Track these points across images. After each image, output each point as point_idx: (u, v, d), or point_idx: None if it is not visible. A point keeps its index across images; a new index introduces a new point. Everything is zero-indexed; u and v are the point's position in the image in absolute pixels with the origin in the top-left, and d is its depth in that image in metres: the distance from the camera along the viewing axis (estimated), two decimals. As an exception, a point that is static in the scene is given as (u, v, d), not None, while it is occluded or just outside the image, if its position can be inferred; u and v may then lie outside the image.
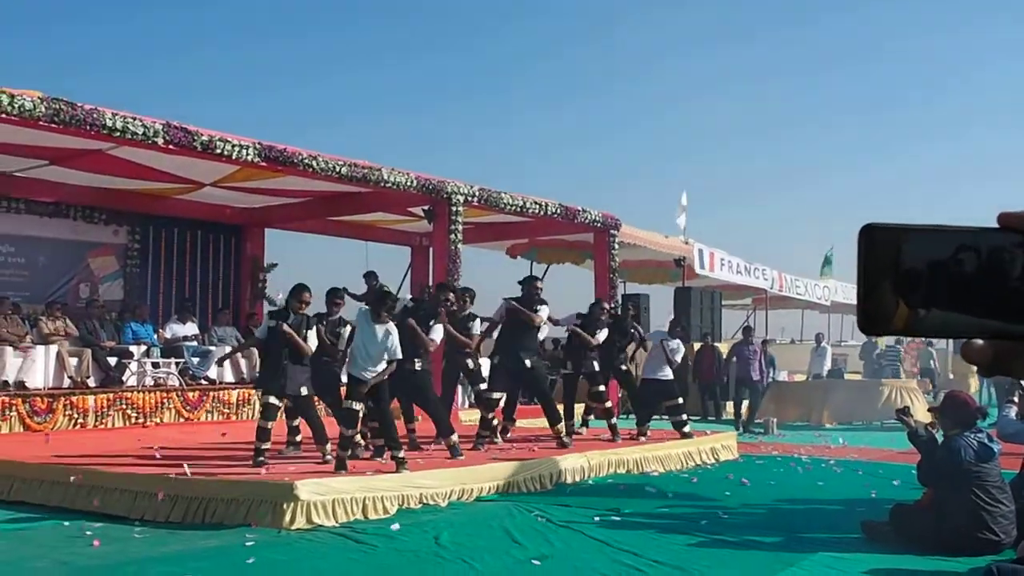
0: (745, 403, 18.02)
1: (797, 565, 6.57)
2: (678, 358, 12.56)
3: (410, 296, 11.23)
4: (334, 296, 10.09)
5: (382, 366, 9.01)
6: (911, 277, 1.06)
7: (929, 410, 10.86)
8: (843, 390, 19.27)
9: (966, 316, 1.06)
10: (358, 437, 9.48)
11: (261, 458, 8.90)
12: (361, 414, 9.15)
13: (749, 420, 17.63)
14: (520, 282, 11.45)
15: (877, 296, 1.07)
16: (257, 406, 14.30)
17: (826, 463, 11.92)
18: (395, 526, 7.48)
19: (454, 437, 10.02)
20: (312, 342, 9.25)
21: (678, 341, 12.63)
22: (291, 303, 9.32)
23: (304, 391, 9.29)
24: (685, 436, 12.29)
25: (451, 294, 10.98)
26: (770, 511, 8.81)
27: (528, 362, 10.98)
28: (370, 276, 13.08)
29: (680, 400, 12.77)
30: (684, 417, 12.62)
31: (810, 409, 18.78)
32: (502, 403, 11.63)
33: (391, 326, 9.13)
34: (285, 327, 9.07)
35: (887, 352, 25.59)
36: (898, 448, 13.02)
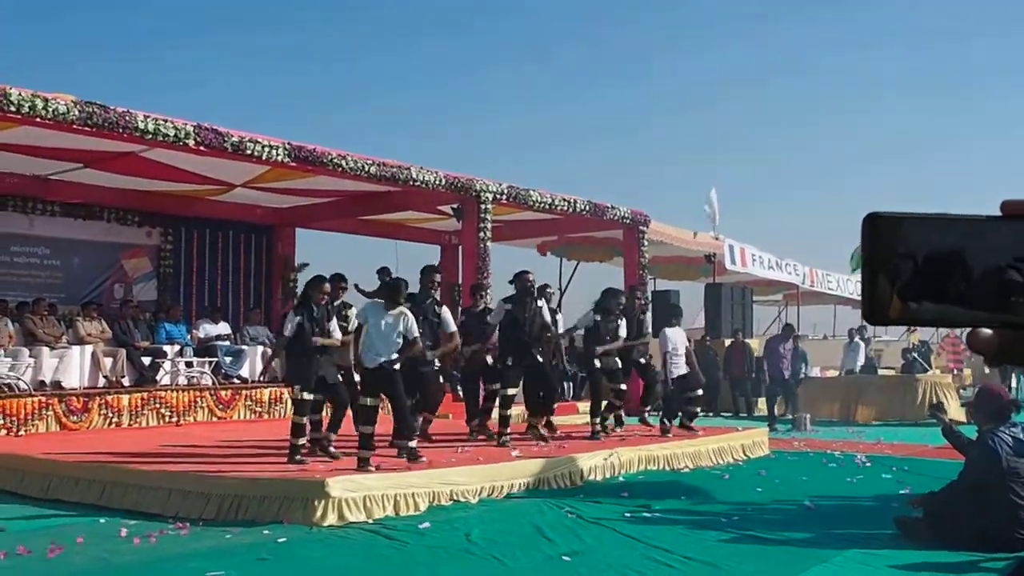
0: (778, 399, 17.90)
1: (830, 561, 6.54)
2: (668, 347, 12.35)
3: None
4: (338, 282, 10.16)
5: (393, 354, 8.99)
6: (904, 269, 1.06)
7: (963, 405, 10.78)
8: (877, 386, 19.10)
9: (959, 308, 1.06)
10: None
11: (298, 456, 8.96)
12: (377, 410, 9.07)
13: (780, 416, 17.52)
14: (511, 280, 11.43)
15: (877, 287, 1.07)
16: (290, 404, 14.47)
17: (859, 459, 11.84)
18: (424, 524, 7.50)
19: (412, 443, 9.54)
20: (336, 333, 9.30)
21: (671, 331, 12.47)
22: (312, 295, 9.35)
23: (340, 377, 9.38)
24: (687, 428, 12.18)
25: (436, 275, 10.96)
26: (802, 507, 8.76)
27: (539, 356, 10.99)
28: (383, 272, 13.06)
29: (699, 392, 12.73)
30: (696, 410, 12.56)
31: (843, 405, 18.65)
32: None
33: (404, 309, 9.14)
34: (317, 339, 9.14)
35: (919, 347, 25.36)
36: (933, 444, 12.92)
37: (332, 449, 9.47)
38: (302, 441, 9.14)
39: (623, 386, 12.17)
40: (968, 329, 1.08)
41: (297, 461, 8.89)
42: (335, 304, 9.94)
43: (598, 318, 11.92)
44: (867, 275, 1.08)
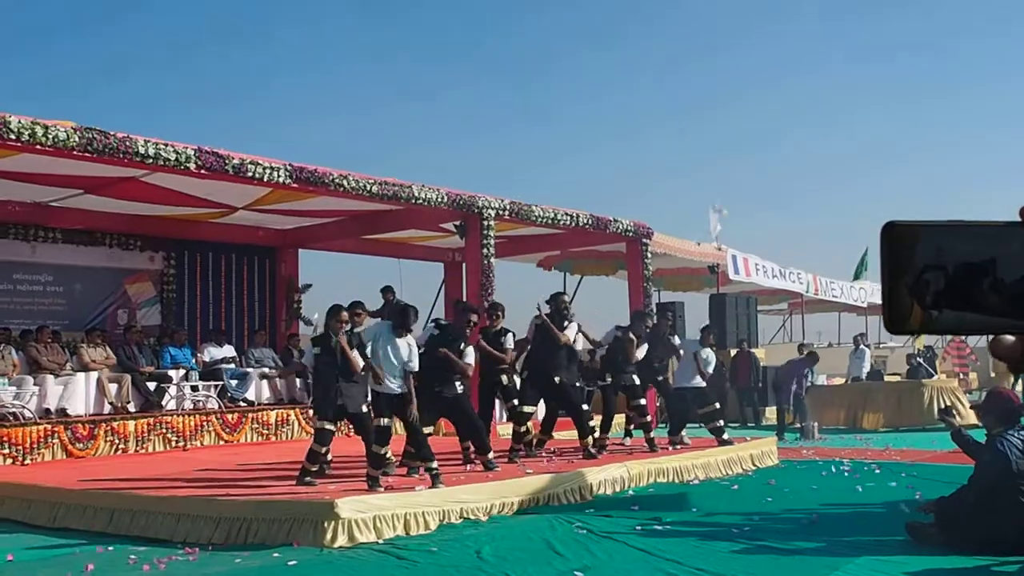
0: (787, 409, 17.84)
1: (842, 569, 6.51)
2: (710, 369, 12.50)
3: (433, 322, 11.16)
4: (355, 309, 10.12)
5: (400, 380, 9.01)
6: (924, 278, 1.05)
7: (972, 407, 10.75)
8: (883, 392, 19.06)
9: (980, 315, 1.05)
10: (389, 454, 9.52)
11: (308, 478, 8.95)
12: (391, 431, 9.14)
13: (788, 425, 17.47)
14: (548, 300, 11.45)
15: (896, 296, 1.06)
16: (296, 426, 14.45)
17: (868, 466, 11.80)
18: (433, 549, 7.45)
19: (491, 455, 10.08)
20: (359, 360, 9.26)
21: (708, 351, 12.59)
22: (330, 324, 9.31)
23: (364, 408, 9.29)
24: (724, 443, 12.22)
25: (473, 315, 10.85)
26: (813, 516, 8.73)
27: (557, 378, 11.00)
28: (387, 291, 13.00)
29: (716, 406, 12.73)
30: (720, 423, 12.56)
31: (851, 412, 18.60)
32: (539, 416, 11.65)
33: (411, 339, 9.18)
34: (337, 340, 9.10)
35: (924, 352, 25.32)
36: (941, 449, 12.89)
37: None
38: (315, 468, 9.15)
39: (642, 401, 12.18)
40: (989, 336, 1.07)
41: (306, 483, 8.90)
42: (356, 331, 9.89)
43: (619, 334, 12.00)
44: (886, 284, 1.07)
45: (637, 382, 12.03)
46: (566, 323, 11.20)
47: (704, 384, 12.61)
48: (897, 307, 1.07)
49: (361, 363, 9.11)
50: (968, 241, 1.05)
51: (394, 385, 8.96)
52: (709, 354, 12.57)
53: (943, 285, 1.05)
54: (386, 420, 9.00)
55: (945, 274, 1.05)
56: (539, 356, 11.12)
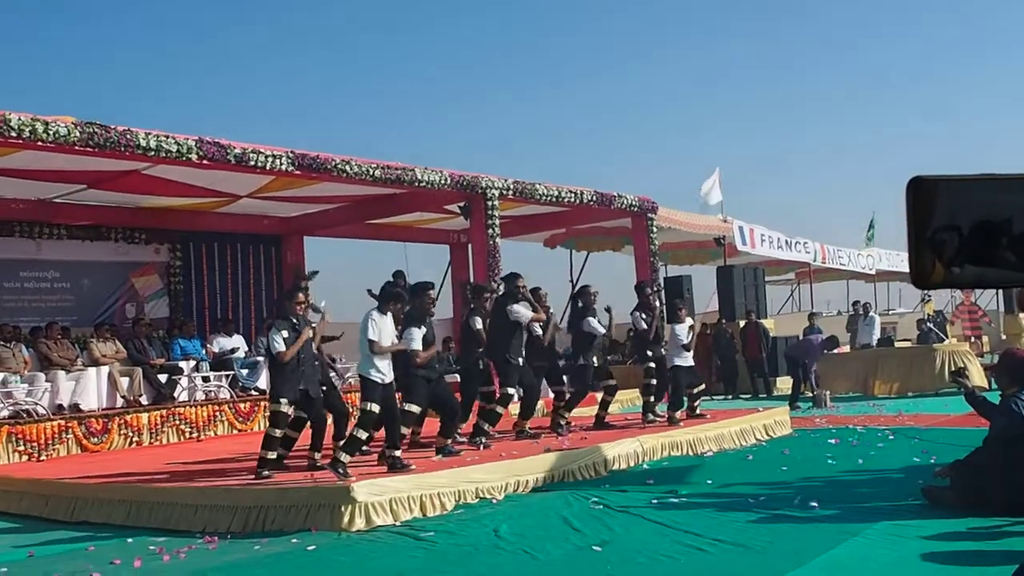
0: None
1: (861, 535, 6.50)
2: (683, 340, 12.25)
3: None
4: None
5: (386, 362, 8.91)
6: (944, 234, 1.03)
7: (984, 369, 10.72)
8: (895, 358, 19.02)
9: (1004, 269, 1.03)
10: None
11: (266, 472, 8.85)
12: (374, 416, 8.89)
13: (800, 394, 17.46)
14: (503, 278, 11.39)
15: (920, 251, 1.05)
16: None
17: (882, 432, 11.80)
18: (451, 529, 7.46)
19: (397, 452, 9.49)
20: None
21: (681, 324, 12.40)
22: (288, 308, 9.38)
23: (322, 392, 9.47)
24: (672, 422, 11.88)
25: (487, 294, 10.83)
26: (829, 483, 8.72)
27: (512, 360, 10.83)
28: (398, 276, 12.94)
29: (703, 386, 12.98)
30: (696, 403, 12.56)
31: (862, 380, 18.57)
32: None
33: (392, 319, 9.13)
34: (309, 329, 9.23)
35: (934, 317, 25.26)
36: (955, 413, 12.87)
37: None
38: (272, 455, 9.04)
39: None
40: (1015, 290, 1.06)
41: (264, 477, 8.77)
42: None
43: (644, 316, 12.15)
44: (911, 240, 1.05)
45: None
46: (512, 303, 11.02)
47: (691, 362, 12.46)
48: (921, 263, 1.05)
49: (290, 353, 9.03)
50: (993, 194, 1.03)
51: (381, 367, 8.83)
52: (680, 328, 12.35)
53: (964, 240, 1.04)
54: (372, 405, 8.78)
55: (964, 230, 1.03)
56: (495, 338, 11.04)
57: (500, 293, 11.37)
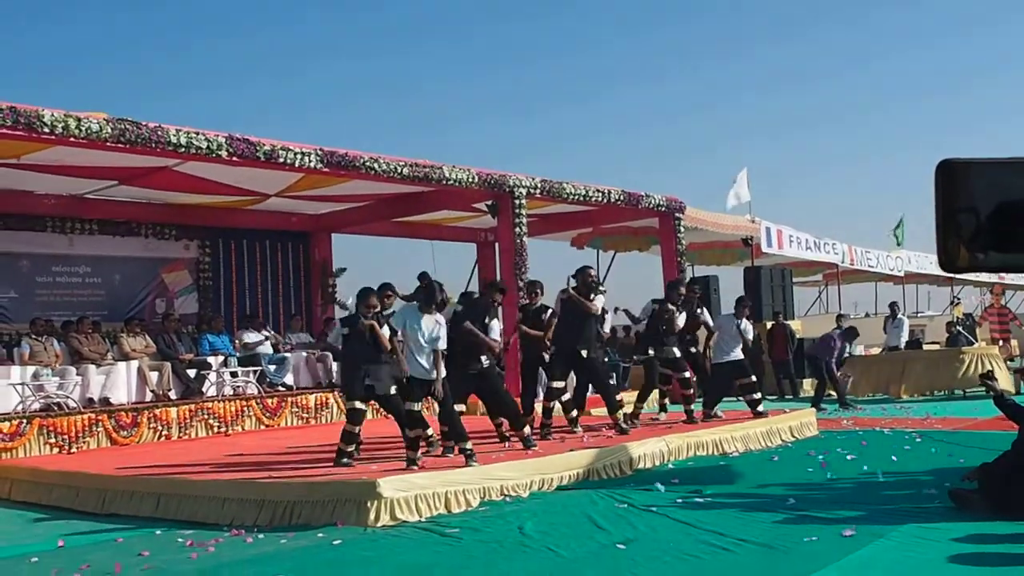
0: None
1: (886, 537, 6.48)
2: (749, 337, 12.49)
3: (458, 298, 11.17)
4: (385, 291, 10.16)
5: (429, 360, 9.00)
6: (969, 218, 1.04)
7: (1016, 371, 10.65)
8: (923, 361, 18.89)
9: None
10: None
11: (345, 459, 9.08)
12: (421, 413, 9.10)
13: (827, 397, 17.38)
14: (573, 275, 11.42)
15: (947, 236, 1.06)
16: (335, 409, 14.54)
17: (909, 435, 11.73)
18: (476, 526, 7.49)
19: (527, 430, 10.06)
20: (386, 340, 9.35)
21: (747, 322, 12.57)
22: (359, 308, 9.46)
23: (393, 390, 9.41)
24: (758, 415, 12.18)
25: (499, 293, 10.83)
26: (855, 485, 8.69)
27: (584, 352, 11.00)
28: (422, 276, 13.00)
29: (754, 378, 12.70)
30: (758, 396, 12.52)
31: (890, 382, 18.46)
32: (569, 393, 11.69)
33: (440, 317, 9.17)
34: (365, 322, 9.24)
35: (963, 320, 25.04)
36: (982, 416, 12.78)
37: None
38: (351, 448, 9.27)
39: (687, 373, 12.26)
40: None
41: (344, 464, 9.06)
42: (386, 313, 9.95)
43: (655, 307, 12.04)
44: (939, 223, 1.06)
45: (678, 354, 12.09)
46: (592, 296, 11.19)
47: (743, 357, 12.58)
48: (949, 247, 1.06)
49: (389, 344, 9.19)
50: (1020, 178, 1.04)
51: (424, 365, 8.95)
52: (747, 326, 12.55)
53: (988, 224, 1.04)
54: (416, 405, 8.97)
55: (989, 214, 1.04)
56: (565, 331, 11.10)
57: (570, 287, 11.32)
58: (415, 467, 8.53)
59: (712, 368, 12.80)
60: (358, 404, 9.36)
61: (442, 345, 9.10)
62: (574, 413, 11.66)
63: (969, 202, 1.04)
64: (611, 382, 11.33)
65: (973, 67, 63.42)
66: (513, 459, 9.18)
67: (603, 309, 11.72)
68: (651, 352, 12.08)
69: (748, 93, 65.27)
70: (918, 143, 64.59)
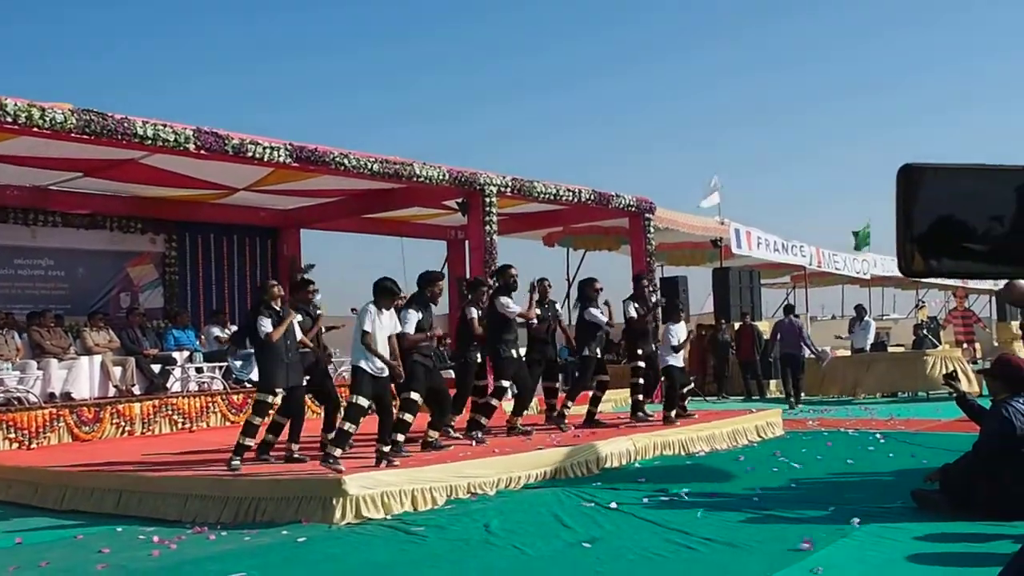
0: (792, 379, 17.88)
1: (850, 536, 6.52)
2: (674, 341, 12.21)
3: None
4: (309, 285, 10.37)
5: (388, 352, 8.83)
6: (925, 223, 1.04)
7: (979, 372, 10.74)
8: (887, 362, 19.07)
9: (981, 262, 1.04)
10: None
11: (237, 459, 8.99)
12: (364, 410, 8.76)
13: (797, 396, 17.51)
14: (495, 271, 11.41)
15: (904, 241, 1.06)
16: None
17: (873, 436, 11.81)
18: (442, 524, 7.46)
19: (433, 434, 9.99)
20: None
21: (678, 324, 12.38)
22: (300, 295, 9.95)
23: (304, 382, 9.62)
24: (668, 421, 11.77)
25: (436, 287, 10.64)
26: (819, 485, 8.74)
27: (501, 352, 10.89)
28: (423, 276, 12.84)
29: (691, 386, 12.94)
30: (685, 401, 12.50)
31: (855, 383, 18.63)
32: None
33: (393, 312, 9.05)
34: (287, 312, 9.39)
35: (928, 323, 25.29)
36: (945, 418, 12.90)
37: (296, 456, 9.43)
38: (249, 442, 9.11)
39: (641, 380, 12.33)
40: (998, 283, 1.06)
41: (234, 468, 8.83)
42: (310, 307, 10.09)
43: (637, 308, 12.08)
44: (898, 228, 1.06)
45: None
46: (511, 295, 11.15)
47: (681, 363, 12.45)
48: (907, 251, 1.06)
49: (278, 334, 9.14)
50: (974, 185, 1.04)
51: (377, 363, 8.74)
52: (676, 327, 12.33)
53: (941, 230, 1.04)
54: (362, 399, 8.61)
55: (942, 220, 1.04)
56: (488, 331, 11.02)
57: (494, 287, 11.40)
58: (337, 465, 8.19)
59: (663, 370, 12.58)
60: (269, 397, 9.33)
61: (408, 328, 9.26)
62: (569, 406, 11.85)
63: (927, 207, 1.05)
64: (505, 384, 11.01)
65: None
66: (480, 457, 9.15)
67: (606, 302, 11.99)
68: (587, 351, 11.97)
69: (721, 92, 65.54)
70: (891, 145, 65.21)
